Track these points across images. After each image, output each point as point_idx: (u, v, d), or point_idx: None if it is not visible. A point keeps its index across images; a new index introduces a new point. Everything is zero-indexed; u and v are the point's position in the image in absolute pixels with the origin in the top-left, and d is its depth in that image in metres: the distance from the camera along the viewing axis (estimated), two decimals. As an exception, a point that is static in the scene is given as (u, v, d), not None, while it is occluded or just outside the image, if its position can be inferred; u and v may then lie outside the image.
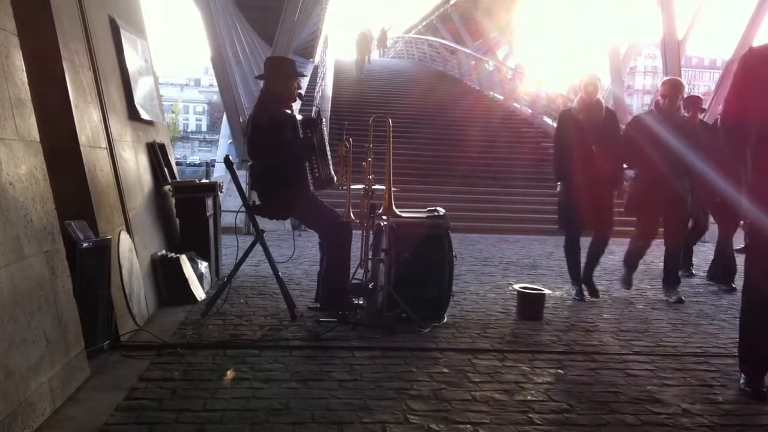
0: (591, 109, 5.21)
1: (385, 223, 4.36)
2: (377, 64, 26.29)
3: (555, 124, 15.31)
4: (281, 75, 4.53)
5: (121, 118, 4.61)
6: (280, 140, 4.28)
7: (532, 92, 17.48)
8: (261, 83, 4.79)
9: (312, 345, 3.78)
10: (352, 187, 4.49)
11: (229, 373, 3.28)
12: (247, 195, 5.01)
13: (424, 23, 33.36)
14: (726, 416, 2.92)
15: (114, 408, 2.76)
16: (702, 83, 75.50)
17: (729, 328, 4.50)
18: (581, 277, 5.37)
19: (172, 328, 4.02)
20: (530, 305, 4.64)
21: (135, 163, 4.74)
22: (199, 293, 4.80)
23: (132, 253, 4.12)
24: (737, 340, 3.34)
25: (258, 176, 4.55)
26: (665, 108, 5.29)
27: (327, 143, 4.69)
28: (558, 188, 5.35)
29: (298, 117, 4.53)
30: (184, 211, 5.32)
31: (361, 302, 4.52)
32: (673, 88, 5.32)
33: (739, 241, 5.28)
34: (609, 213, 5.26)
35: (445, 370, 3.40)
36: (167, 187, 5.32)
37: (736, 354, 3.43)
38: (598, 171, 5.03)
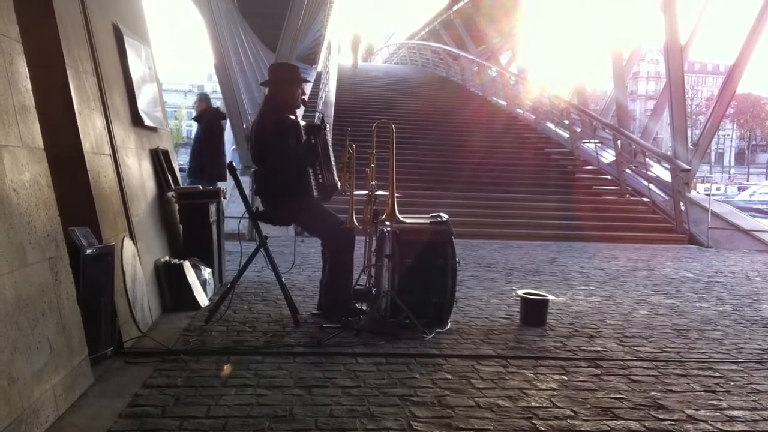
0: None
1: (389, 229, 4.36)
2: (380, 70, 27.96)
3: (558, 130, 15.55)
4: (286, 81, 4.55)
5: (124, 125, 4.63)
6: (284, 146, 4.29)
7: (534, 98, 17.49)
8: (265, 90, 4.79)
9: (315, 351, 3.77)
10: (355, 193, 4.49)
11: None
12: (250, 201, 5.01)
13: (426, 29, 33.42)
14: (730, 422, 2.91)
15: (117, 415, 2.76)
16: (705, 88, 75.56)
17: (733, 334, 4.49)
18: None
19: (175, 335, 4.02)
20: (534, 311, 4.63)
21: (138, 170, 4.75)
22: (203, 299, 4.80)
23: (135, 260, 4.13)
24: (742, 345, 3.31)
25: (262, 182, 4.56)
26: None
27: (331, 149, 4.70)
28: None
29: (302, 123, 4.54)
30: (187, 217, 5.33)
31: (364, 308, 4.51)
32: None
33: None
34: None
35: (449, 377, 3.40)
36: (170, 194, 5.32)
37: (741, 360, 3.40)
38: None
